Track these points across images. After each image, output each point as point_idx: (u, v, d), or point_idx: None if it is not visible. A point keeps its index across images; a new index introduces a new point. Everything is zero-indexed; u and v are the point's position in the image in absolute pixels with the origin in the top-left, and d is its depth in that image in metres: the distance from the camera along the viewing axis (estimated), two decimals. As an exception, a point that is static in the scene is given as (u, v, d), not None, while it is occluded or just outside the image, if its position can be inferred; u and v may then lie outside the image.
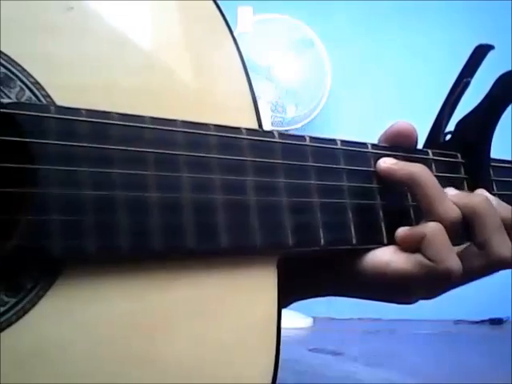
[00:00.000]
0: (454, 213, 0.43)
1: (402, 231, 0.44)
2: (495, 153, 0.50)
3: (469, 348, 2.04)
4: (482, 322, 2.40)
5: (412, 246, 0.43)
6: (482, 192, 0.46)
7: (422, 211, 0.44)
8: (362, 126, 2.42)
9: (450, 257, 0.42)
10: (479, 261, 0.45)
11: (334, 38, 2.45)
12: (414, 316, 2.15)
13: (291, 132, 2.39)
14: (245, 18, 2.25)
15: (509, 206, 0.46)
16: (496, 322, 2.40)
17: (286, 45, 2.38)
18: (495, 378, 1.61)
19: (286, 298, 0.40)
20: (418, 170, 0.43)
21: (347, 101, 2.52)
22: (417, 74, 2.51)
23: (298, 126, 2.44)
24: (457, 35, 2.45)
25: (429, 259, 0.42)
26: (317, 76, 2.41)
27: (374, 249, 0.44)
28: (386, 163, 0.44)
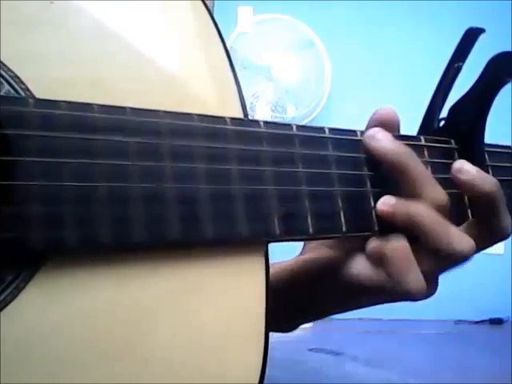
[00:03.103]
0: (441, 195, 0.42)
1: (370, 244, 0.42)
2: (495, 137, 0.49)
3: (469, 348, 2.04)
4: (482, 321, 2.40)
5: (377, 261, 0.42)
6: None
7: (409, 195, 0.42)
8: (362, 126, 2.41)
9: (410, 276, 0.41)
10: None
11: (334, 37, 2.45)
12: (414, 316, 2.15)
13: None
14: (245, 18, 2.25)
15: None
16: (496, 321, 2.40)
17: (286, 45, 2.38)
18: (495, 377, 1.60)
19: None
20: (403, 152, 0.42)
21: (347, 101, 2.52)
22: (417, 73, 2.50)
23: (298, 126, 2.43)
24: (458, 35, 2.44)
25: (389, 276, 0.41)
26: (317, 76, 2.41)
27: (349, 260, 0.44)
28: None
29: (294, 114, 2.42)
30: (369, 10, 2.52)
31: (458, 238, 0.42)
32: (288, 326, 0.52)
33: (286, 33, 2.37)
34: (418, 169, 0.42)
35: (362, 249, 0.43)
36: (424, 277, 0.42)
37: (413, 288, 0.41)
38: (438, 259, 0.42)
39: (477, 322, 2.39)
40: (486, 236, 0.44)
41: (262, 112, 2.28)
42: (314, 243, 0.50)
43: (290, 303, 0.47)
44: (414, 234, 0.42)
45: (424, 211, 0.41)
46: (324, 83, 2.41)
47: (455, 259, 0.42)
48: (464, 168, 0.43)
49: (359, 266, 0.43)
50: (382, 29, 2.54)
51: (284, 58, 2.37)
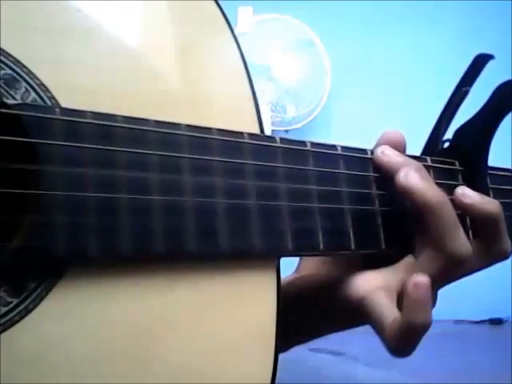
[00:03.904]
0: (467, 249, 0.43)
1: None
2: (496, 160, 0.51)
3: (469, 348, 2.04)
4: (482, 321, 2.40)
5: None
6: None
7: (430, 241, 0.43)
8: (361, 126, 2.42)
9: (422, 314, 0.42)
10: (437, 264, 0.43)
11: (334, 37, 2.45)
12: (414, 316, 2.15)
13: (291, 132, 2.39)
14: (245, 18, 2.26)
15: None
16: (496, 321, 2.40)
17: (285, 45, 2.38)
18: (495, 377, 1.61)
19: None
20: (436, 199, 0.42)
21: (347, 101, 2.52)
22: (417, 73, 2.51)
23: (298, 125, 2.44)
24: (458, 35, 2.45)
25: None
26: (317, 76, 2.41)
27: (361, 274, 0.44)
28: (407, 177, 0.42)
29: (294, 114, 2.43)
30: (368, 10, 2.52)
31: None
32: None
33: (286, 33, 2.37)
34: (446, 216, 0.43)
35: (360, 267, 0.44)
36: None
37: (418, 322, 0.42)
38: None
39: (477, 322, 2.40)
40: (487, 256, 0.46)
41: (261, 112, 2.28)
42: (309, 261, 0.50)
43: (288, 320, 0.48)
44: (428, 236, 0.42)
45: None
46: (324, 83, 2.42)
47: (456, 261, 0.43)
48: (466, 193, 0.44)
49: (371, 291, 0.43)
50: (382, 29, 2.54)
51: (284, 58, 2.38)
